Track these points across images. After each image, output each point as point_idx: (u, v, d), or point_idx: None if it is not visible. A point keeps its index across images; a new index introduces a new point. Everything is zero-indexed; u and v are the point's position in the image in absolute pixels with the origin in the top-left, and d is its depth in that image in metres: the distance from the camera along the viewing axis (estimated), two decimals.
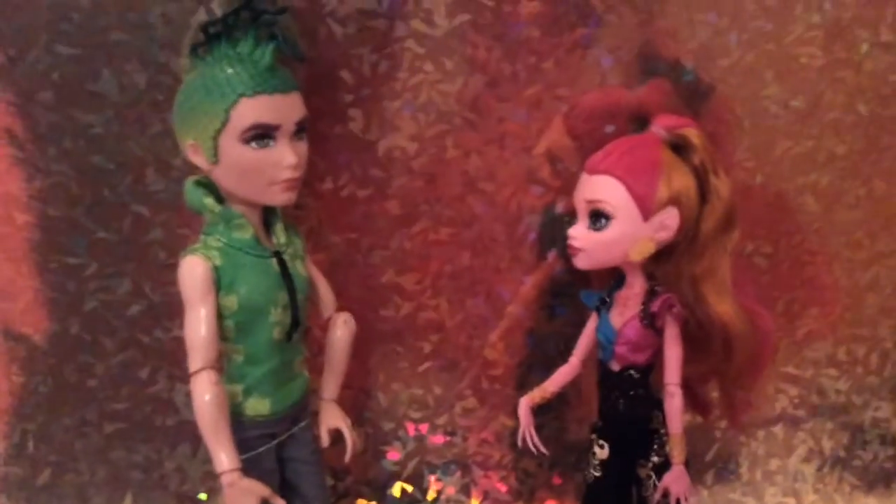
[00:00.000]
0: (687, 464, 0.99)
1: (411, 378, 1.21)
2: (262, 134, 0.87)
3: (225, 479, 0.86)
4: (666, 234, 0.95)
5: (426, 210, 1.12)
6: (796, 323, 1.24)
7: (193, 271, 0.89)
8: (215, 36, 0.88)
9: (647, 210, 0.93)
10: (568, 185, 1.07)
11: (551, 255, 1.15)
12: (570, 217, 1.02)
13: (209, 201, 0.91)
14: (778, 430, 1.31)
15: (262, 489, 0.87)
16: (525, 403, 1.07)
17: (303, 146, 0.91)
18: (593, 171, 0.95)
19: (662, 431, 1.01)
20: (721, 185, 0.95)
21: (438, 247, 1.14)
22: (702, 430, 1.27)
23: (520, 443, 1.08)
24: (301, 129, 0.90)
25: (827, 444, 1.32)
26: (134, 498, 1.20)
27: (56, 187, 1.05)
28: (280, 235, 0.95)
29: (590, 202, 0.95)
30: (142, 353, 1.14)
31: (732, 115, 1.10)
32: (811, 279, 1.22)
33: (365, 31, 1.01)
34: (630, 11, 1.03)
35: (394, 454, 1.24)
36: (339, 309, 1.04)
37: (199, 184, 0.92)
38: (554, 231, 1.13)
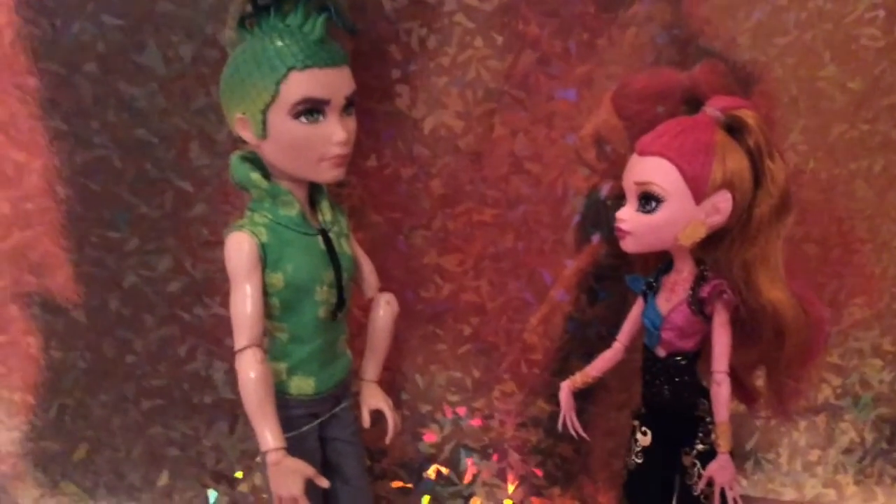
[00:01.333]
0: (732, 453, 0.96)
1: (450, 360, 1.20)
2: (312, 108, 0.86)
3: (270, 458, 0.86)
4: (719, 218, 0.92)
5: (470, 190, 1.10)
6: (842, 311, 1.22)
7: (240, 247, 0.87)
8: (264, 7, 0.86)
9: (699, 193, 0.90)
10: (614, 168, 1.05)
11: (595, 238, 1.13)
12: (615, 201, 1.00)
13: (256, 176, 0.89)
14: (820, 420, 1.29)
15: (307, 468, 0.87)
16: (567, 388, 1.06)
17: (352, 122, 0.90)
18: (644, 153, 0.92)
19: (708, 419, 0.99)
20: (777, 170, 0.92)
21: (482, 228, 1.12)
22: (743, 418, 1.25)
23: (560, 427, 1.07)
24: (350, 104, 0.89)
25: (869, 436, 1.30)
26: (170, 475, 1.20)
27: (98, 161, 1.04)
28: (326, 213, 0.94)
29: (640, 184, 0.92)
30: (181, 330, 1.13)
31: (788, 97, 1.07)
32: (860, 267, 1.19)
33: (414, 5, 1.00)
34: None
35: (431, 436, 1.23)
36: (381, 289, 1.03)
37: (244, 159, 0.91)
38: (598, 215, 1.11)
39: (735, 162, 0.91)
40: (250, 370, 0.86)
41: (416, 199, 1.10)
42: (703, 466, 0.98)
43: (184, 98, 1.01)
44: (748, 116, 0.92)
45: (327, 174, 0.89)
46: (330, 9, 0.87)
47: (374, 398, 1.03)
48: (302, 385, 0.95)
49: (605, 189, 1.10)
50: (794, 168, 1.09)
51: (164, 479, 1.20)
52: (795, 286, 0.96)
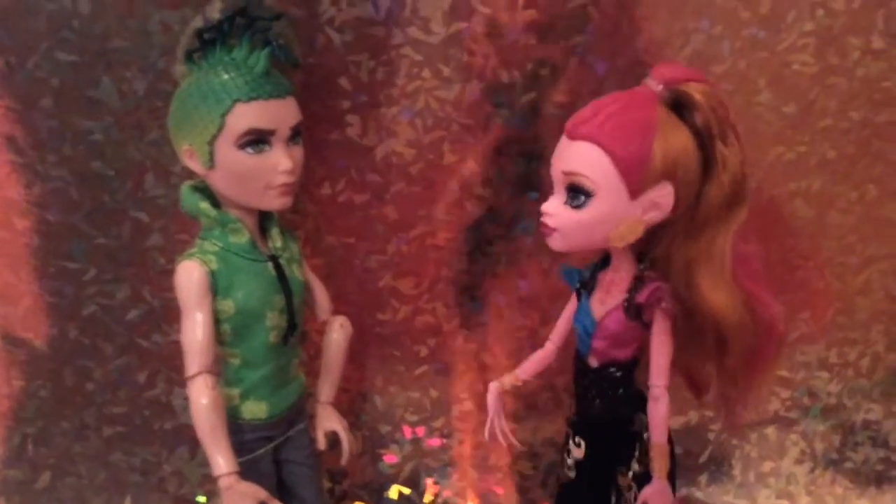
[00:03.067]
0: (672, 475, 0.88)
1: (408, 381, 1.22)
2: (257, 139, 0.87)
3: (222, 483, 0.87)
4: (657, 215, 0.80)
5: (423, 215, 1.13)
6: (788, 326, 1.25)
7: (190, 276, 0.89)
8: (210, 42, 0.89)
9: (635, 187, 0.78)
10: None
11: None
12: None
13: (205, 206, 0.91)
14: (770, 431, 1.32)
15: (259, 492, 0.88)
16: (494, 390, 0.98)
17: (298, 151, 0.92)
18: (574, 136, 0.80)
19: (646, 436, 0.88)
20: (730, 155, 0.79)
21: (436, 251, 1.15)
22: (696, 431, 1.28)
23: (486, 433, 1.00)
24: (296, 134, 0.91)
25: (819, 447, 1.33)
26: (133, 500, 1.21)
27: (56, 193, 1.06)
28: (276, 240, 0.96)
29: (567, 174, 0.80)
30: (140, 358, 1.15)
31: None
32: (803, 283, 1.23)
33: (362, 39, 1.02)
34: (625, 19, 1.04)
35: (391, 457, 1.25)
36: (336, 312, 1.05)
37: (195, 188, 0.93)
38: None
39: (678, 146, 0.78)
40: (202, 396, 0.88)
41: (370, 224, 1.13)
42: (641, 490, 0.88)
43: (138, 131, 1.03)
44: (696, 91, 0.80)
45: (275, 202, 0.91)
46: (273, 43, 0.89)
47: (328, 420, 1.05)
48: (255, 409, 0.96)
49: None
50: None
51: None
52: (748, 284, 0.85)
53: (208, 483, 1.21)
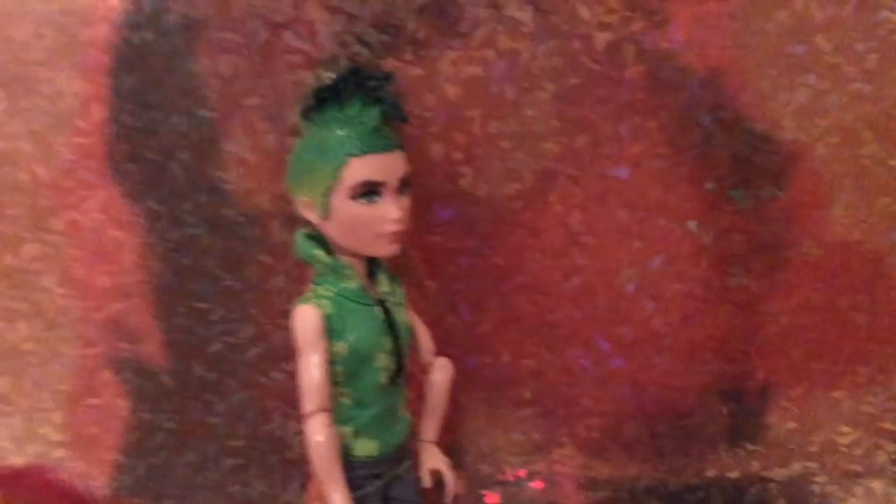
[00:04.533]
0: None
1: (510, 423, 1.24)
2: (369, 191, 0.92)
3: None
4: None
5: (530, 262, 1.16)
6: (892, 378, 1.24)
7: (306, 319, 0.93)
8: (325, 100, 0.94)
9: None
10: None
11: None
12: None
13: (319, 253, 0.96)
14: (877, 485, 1.29)
15: None
16: None
17: (406, 200, 0.96)
18: None
19: None
20: None
21: (540, 297, 1.18)
22: (798, 482, 1.27)
23: None
24: (405, 185, 0.95)
25: None
26: None
27: (189, 238, 1.13)
28: (384, 284, 1.00)
29: None
30: (259, 393, 1.20)
31: (831, 174, 1.12)
32: None
33: (476, 93, 1.07)
34: (731, 74, 1.08)
35: (493, 498, 1.27)
36: (438, 354, 1.09)
37: (308, 236, 0.98)
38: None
39: None
40: (318, 434, 0.92)
41: (476, 271, 1.17)
42: None
43: (267, 181, 1.10)
44: None
45: (384, 249, 0.95)
46: (384, 100, 0.95)
47: (432, 458, 1.07)
48: (367, 447, 0.99)
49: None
50: (840, 239, 1.13)
51: None
52: None
53: None
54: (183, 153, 1.09)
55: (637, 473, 1.26)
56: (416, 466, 1.07)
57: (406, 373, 1.02)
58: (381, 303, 0.99)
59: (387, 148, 0.93)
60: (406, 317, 1.02)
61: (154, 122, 1.08)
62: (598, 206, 1.14)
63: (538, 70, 1.06)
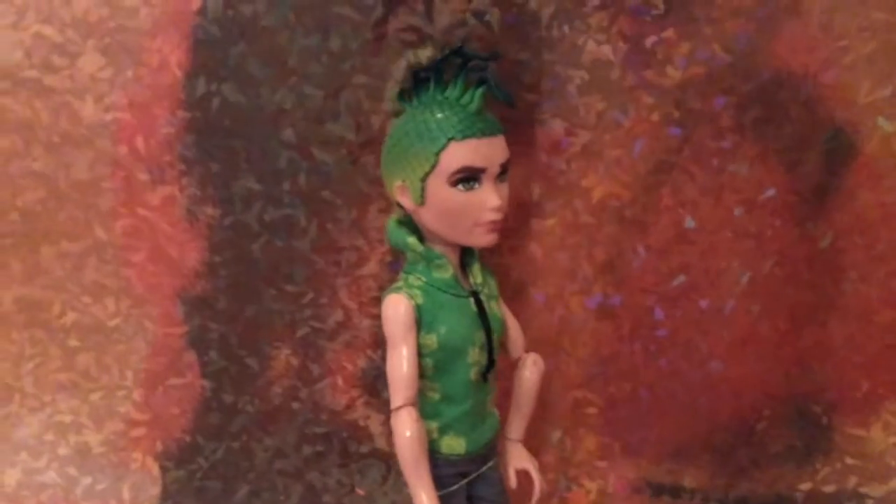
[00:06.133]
0: None
1: (599, 424, 1.21)
2: (469, 177, 0.88)
3: None
4: None
5: (633, 259, 1.13)
6: None
7: (397, 309, 0.90)
8: (424, 80, 0.91)
9: None
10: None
11: None
12: None
13: (412, 240, 0.93)
14: None
15: None
16: None
17: (505, 188, 0.92)
18: None
19: None
20: None
21: (641, 296, 1.14)
22: None
23: None
24: (504, 171, 0.92)
25: None
26: None
27: (285, 219, 1.11)
28: (477, 276, 0.97)
29: None
30: (344, 380, 1.18)
31: None
32: None
33: (598, 80, 1.04)
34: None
35: (578, 500, 1.24)
36: (528, 350, 1.05)
37: (400, 223, 0.95)
38: None
39: None
40: (406, 429, 0.88)
41: (578, 264, 1.13)
42: None
43: (368, 164, 1.07)
44: None
45: (481, 239, 0.92)
46: (488, 81, 0.90)
47: (519, 458, 1.04)
48: (454, 444, 0.96)
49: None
50: None
51: None
52: None
53: None
54: (286, 131, 1.06)
55: (728, 482, 1.22)
56: (501, 465, 1.04)
57: (496, 368, 0.99)
58: (474, 294, 0.96)
59: (489, 132, 0.89)
60: (499, 310, 0.99)
61: (259, 99, 1.05)
62: (711, 202, 1.09)
63: (662, 55, 1.02)
